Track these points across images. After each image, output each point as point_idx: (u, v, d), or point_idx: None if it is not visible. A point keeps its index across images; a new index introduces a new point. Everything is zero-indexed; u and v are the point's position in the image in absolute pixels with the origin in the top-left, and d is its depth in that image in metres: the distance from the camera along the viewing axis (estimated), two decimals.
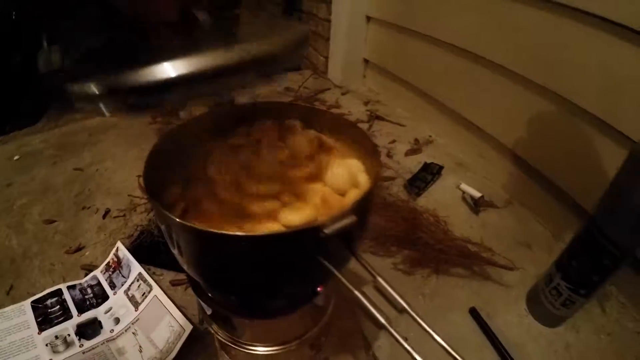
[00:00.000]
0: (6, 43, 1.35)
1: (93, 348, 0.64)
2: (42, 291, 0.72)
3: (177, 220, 0.30)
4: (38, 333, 0.66)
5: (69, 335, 0.66)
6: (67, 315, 0.68)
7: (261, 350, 0.52)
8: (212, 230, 0.29)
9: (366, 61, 1.48)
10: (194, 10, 0.35)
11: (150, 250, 0.78)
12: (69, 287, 0.73)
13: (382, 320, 0.30)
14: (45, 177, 1.04)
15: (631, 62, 0.65)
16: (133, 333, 0.66)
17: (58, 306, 0.70)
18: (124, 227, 0.87)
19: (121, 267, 0.75)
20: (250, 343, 0.52)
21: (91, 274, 0.76)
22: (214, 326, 0.53)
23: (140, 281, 0.71)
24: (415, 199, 0.96)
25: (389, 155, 1.12)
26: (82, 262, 0.80)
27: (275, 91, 1.45)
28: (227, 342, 0.53)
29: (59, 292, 0.72)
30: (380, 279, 0.32)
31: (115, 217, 0.90)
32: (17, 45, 1.41)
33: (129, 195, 0.96)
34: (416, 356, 0.28)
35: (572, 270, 0.61)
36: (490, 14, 0.91)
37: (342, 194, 0.40)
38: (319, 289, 0.45)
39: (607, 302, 0.73)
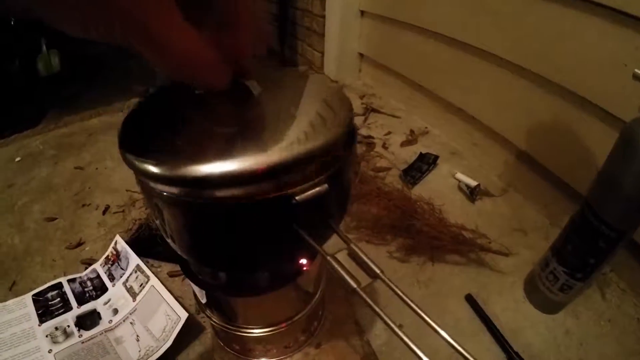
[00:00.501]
0: (5, 48, 1.38)
1: (92, 338, 0.65)
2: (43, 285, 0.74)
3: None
4: (38, 325, 0.67)
5: (68, 326, 0.67)
6: (67, 307, 0.70)
7: (252, 332, 0.53)
8: (194, 199, 0.30)
9: (361, 55, 1.48)
10: (243, 79, 0.33)
11: (149, 243, 0.79)
12: (69, 281, 0.74)
13: (353, 284, 0.30)
14: (45, 177, 1.06)
15: (622, 44, 0.65)
16: (131, 323, 0.67)
17: (58, 299, 0.71)
18: (123, 222, 0.89)
19: (120, 259, 0.76)
20: (242, 326, 0.53)
21: (91, 267, 0.77)
22: (208, 311, 0.55)
23: (138, 272, 0.73)
24: (410, 189, 0.96)
25: (384, 147, 1.13)
26: (83, 257, 0.81)
27: None
28: (221, 326, 0.54)
29: (59, 285, 0.73)
30: (354, 246, 0.33)
31: (114, 213, 0.92)
32: (16, 50, 1.43)
33: (127, 191, 0.97)
34: (388, 321, 0.28)
35: (567, 254, 0.61)
36: (479, 2, 0.91)
37: None
38: (304, 267, 0.46)
39: (607, 288, 0.72)
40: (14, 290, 0.76)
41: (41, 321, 0.68)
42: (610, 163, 0.54)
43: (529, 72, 0.83)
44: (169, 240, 0.38)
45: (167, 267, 0.77)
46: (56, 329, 0.67)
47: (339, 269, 0.31)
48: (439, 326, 0.30)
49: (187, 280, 0.74)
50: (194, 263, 0.47)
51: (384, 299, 0.66)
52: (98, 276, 0.76)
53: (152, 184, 0.31)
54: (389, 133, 1.19)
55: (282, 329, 0.53)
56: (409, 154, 1.09)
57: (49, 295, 0.72)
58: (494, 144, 1.01)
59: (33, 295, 0.72)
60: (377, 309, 0.29)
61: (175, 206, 0.32)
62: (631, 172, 0.50)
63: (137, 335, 0.65)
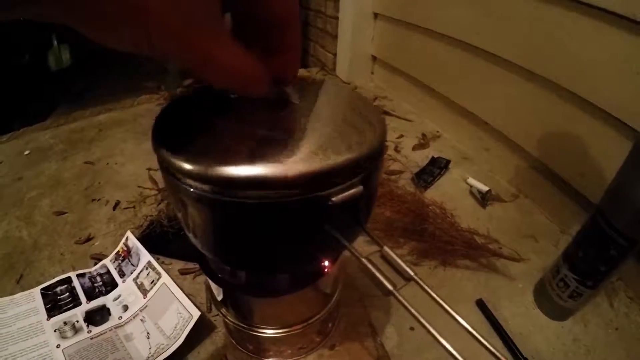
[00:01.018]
0: (16, 43, 1.38)
1: (101, 334, 0.64)
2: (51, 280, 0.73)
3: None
4: (47, 319, 0.66)
5: (77, 321, 0.66)
6: (76, 302, 0.69)
7: (268, 333, 0.52)
8: (231, 198, 0.29)
9: (374, 58, 1.48)
10: (282, 86, 0.33)
11: (160, 240, 0.79)
12: (78, 275, 0.73)
13: (389, 287, 0.30)
14: (55, 171, 1.05)
15: (636, 52, 0.64)
16: (141, 320, 0.66)
17: (67, 293, 0.70)
18: (134, 217, 0.88)
19: (130, 255, 0.75)
20: (257, 326, 0.52)
21: (100, 263, 0.76)
22: (223, 310, 0.54)
23: (150, 269, 0.72)
24: (422, 192, 0.96)
25: (396, 150, 1.12)
26: (92, 252, 0.80)
27: None
28: (236, 325, 0.53)
29: (68, 280, 0.72)
30: (387, 249, 0.32)
31: (125, 209, 0.91)
32: (26, 44, 1.43)
33: (138, 187, 0.96)
34: (422, 320, 0.28)
35: (579, 262, 0.61)
36: (492, 7, 0.90)
37: None
38: (327, 269, 0.45)
39: (615, 296, 0.72)
40: (21, 284, 0.75)
41: (49, 315, 0.67)
42: (623, 172, 0.54)
43: (542, 78, 0.82)
44: (189, 235, 0.37)
45: (178, 265, 0.76)
46: (65, 323, 0.66)
47: (375, 271, 0.30)
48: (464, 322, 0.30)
49: (198, 279, 0.73)
50: (215, 261, 0.46)
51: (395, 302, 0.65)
52: (108, 272, 0.75)
53: (182, 180, 0.30)
54: (401, 136, 1.18)
55: (298, 330, 0.52)
56: (421, 158, 1.08)
57: (58, 289, 0.71)
58: (505, 149, 1.00)
59: (41, 289, 0.71)
60: (414, 312, 0.28)
61: (204, 203, 0.31)
62: None
63: (148, 333, 0.64)
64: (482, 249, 0.78)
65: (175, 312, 0.64)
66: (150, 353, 0.61)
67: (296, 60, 0.30)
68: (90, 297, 0.70)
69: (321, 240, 0.34)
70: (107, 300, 0.70)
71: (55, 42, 1.48)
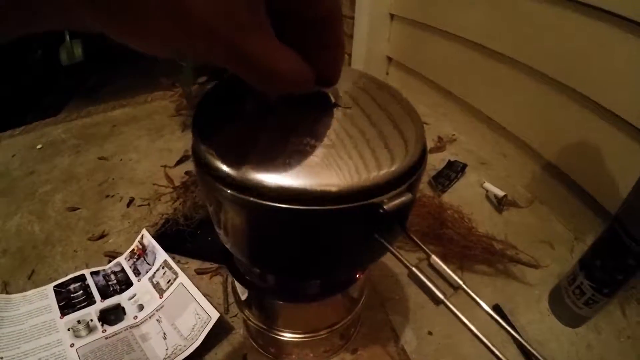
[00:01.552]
0: (28, 37, 1.37)
1: (116, 334, 0.63)
2: (64, 276, 0.71)
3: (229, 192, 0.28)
4: (60, 317, 0.65)
5: (91, 320, 0.65)
6: (90, 301, 0.68)
7: (291, 337, 0.51)
8: (273, 203, 0.28)
9: (389, 59, 1.46)
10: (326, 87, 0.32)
11: (175, 239, 0.77)
12: (92, 273, 0.72)
13: (440, 296, 0.29)
14: (68, 166, 1.04)
15: None
16: (157, 320, 0.65)
17: (81, 291, 0.69)
18: (149, 215, 0.86)
19: (146, 254, 0.74)
20: (281, 329, 0.51)
21: (115, 261, 0.75)
22: (246, 311, 0.52)
23: (166, 268, 0.70)
24: (439, 196, 0.94)
25: None
26: (106, 249, 0.79)
27: None
28: (259, 328, 0.52)
29: (82, 278, 0.71)
30: (434, 257, 0.31)
31: (139, 206, 0.90)
32: (38, 39, 1.43)
33: (153, 184, 0.95)
34: (471, 327, 0.28)
35: (596, 270, 0.60)
36: (513, 11, 0.89)
37: None
38: (358, 275, 0.44)
39: (627, 305, 0.71)
40: (33, 280, 0.74)
41: (63, 314, 0.66)
42: None
43: (560, 84, 0.80)
44: (219, 232, 0.35)
45: (194, 264, 0.74)
46: (79, 322, 0.64)
47: (425, 279, 0.30)
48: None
49: (215, 279, 0.72)
50: (244, 263, 0.45)
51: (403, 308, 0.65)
52: (122, 270, 0.73)
53: (222, 184, 0.29)
54: None
55: (323, 335, 0.51)
56: (437, 161, 1.07)
57: (72, 287, 0.70)
58: (522, 154, 0.98)
59: (55, 287, 0.70)
60: (465, 320, 0.27)
61: (247, 208, 0.30)
62: None
63: (164, 333, 0.62)
64: (501, 255, 0.77)
65: (193, 313, 0.63)
66: (167, 354, 0.59)
67: (341, 57, 0.28)
68: (104, 295, 0.69)
69: (369, 248, 0.34)
70: (121, 299, 0.69)
71: (67, 37, 1.47)
